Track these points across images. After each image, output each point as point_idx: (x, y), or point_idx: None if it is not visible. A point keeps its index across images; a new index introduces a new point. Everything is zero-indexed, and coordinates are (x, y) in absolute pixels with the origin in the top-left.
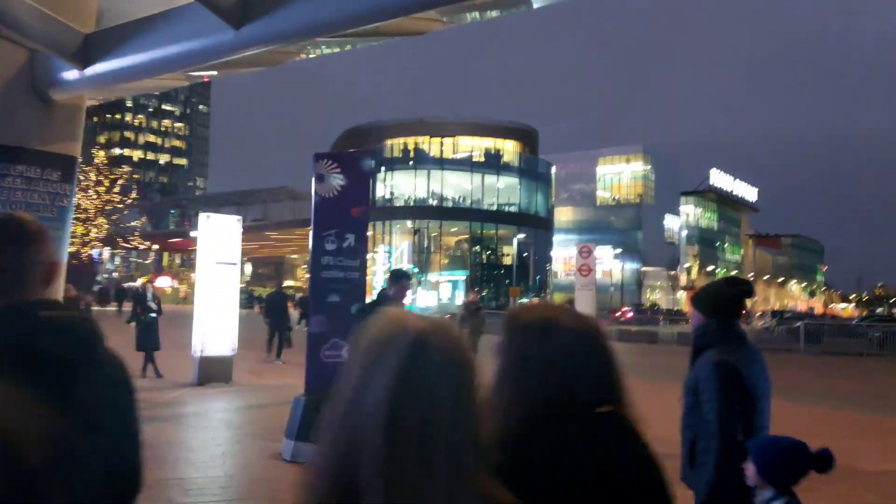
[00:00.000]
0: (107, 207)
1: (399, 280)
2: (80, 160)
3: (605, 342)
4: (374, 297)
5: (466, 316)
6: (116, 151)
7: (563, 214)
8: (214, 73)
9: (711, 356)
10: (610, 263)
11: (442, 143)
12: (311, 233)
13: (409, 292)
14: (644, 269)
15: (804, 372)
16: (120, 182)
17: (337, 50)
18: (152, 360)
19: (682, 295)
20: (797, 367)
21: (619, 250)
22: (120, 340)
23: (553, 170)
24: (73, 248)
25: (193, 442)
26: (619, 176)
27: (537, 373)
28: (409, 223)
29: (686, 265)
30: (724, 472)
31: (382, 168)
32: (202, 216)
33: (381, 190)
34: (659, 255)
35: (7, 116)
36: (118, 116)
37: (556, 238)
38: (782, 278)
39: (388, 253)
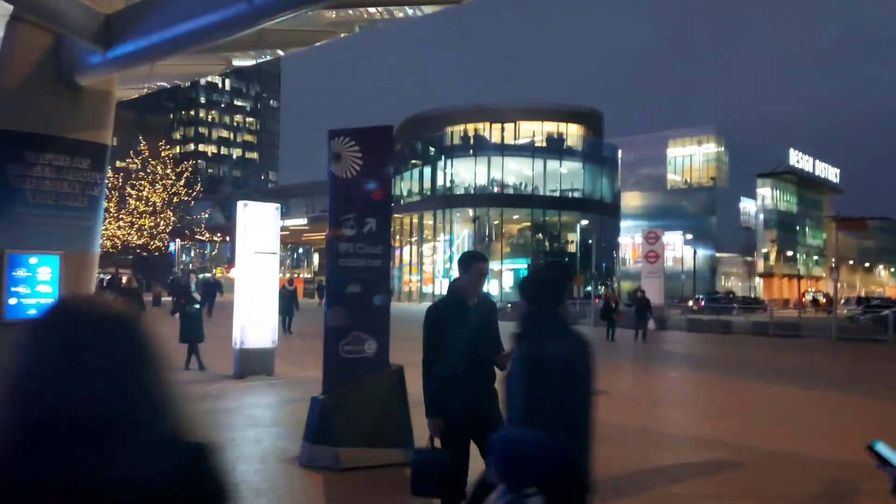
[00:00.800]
0: (174, 200)
1: (469, 264)
2: (110, 147)
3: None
4: (447, 292)
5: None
6: (191, 147)
7: (631, 200)
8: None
9: (521, 345)
10: (681, 250)
11: (503, 129)
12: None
13: (483, 278)
14: (718, 255)
15: (892, 364)
16: (186, 175)
17: (364, 25)
18: (196, 352)
19: (759, 282)
20: (884, 359)
21: (690, 236)
22: (165, 332)
23: (619, 153)
24: (142, 241)
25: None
26: (691, 158)
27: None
28: (469, 211)
29: (764, 251)
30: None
31: (442, 156)
32: (240, 204)
33: (441, 178)
34: (734, 241)
35: (34, 103)
36: (192, 113)
37: (624, 224)
38: (868, 263)
39: (448, 242)
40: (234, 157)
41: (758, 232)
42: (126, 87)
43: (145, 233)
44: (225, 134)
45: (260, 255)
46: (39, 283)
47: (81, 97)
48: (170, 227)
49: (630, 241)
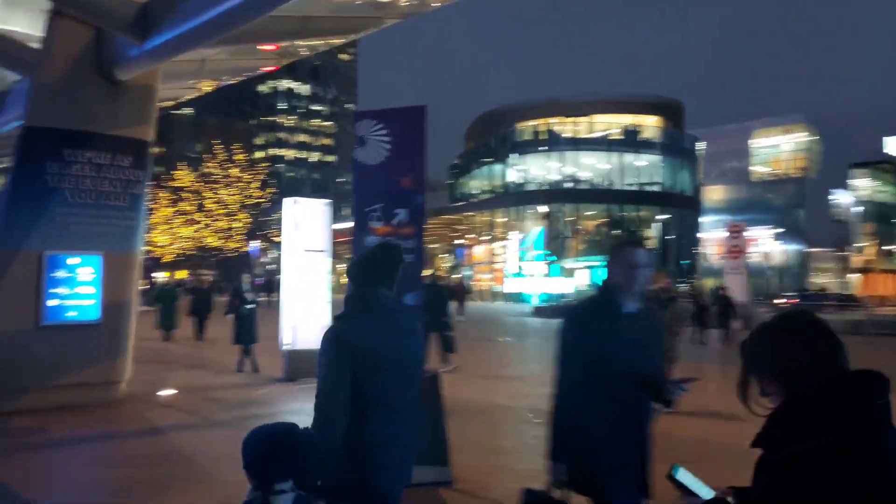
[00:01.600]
0: (248, 202)
1: (619, 253)
2: (152, 144)
3: None
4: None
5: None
6: (272, 151)
7: (715, 193)
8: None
9: (330, 326)
10: (768, 245)
11: (576, 123)
12: (352, 208)
13: (638, 272)
14: (808, 250)
15: None
16: (260, 177)
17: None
18: (249, 353)
19: (855, 278)
20: None
21: (778, 230)
22: (219, 333)
23: (700, 145)
24: (217, 243)
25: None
26: (777, 149)
27: None
28: (542, 208)
29: (859, 245)
30: (322, 451)
31: (513, 152)
32: (287, 201)
33: (513, 175)
34: (825, 235)
35: (74, 100)
36: (273, 118)
37: (706, 219)
38: None
39: (520, 240)
40: (313, 160)
41: (852, 225)
42: (178, 85)
43: (221, 234)
44: (304, 138)
45: (309, 253)
46: (81, 285)
47: (122, 93)
48: (245, 229)
49: (713, 236)
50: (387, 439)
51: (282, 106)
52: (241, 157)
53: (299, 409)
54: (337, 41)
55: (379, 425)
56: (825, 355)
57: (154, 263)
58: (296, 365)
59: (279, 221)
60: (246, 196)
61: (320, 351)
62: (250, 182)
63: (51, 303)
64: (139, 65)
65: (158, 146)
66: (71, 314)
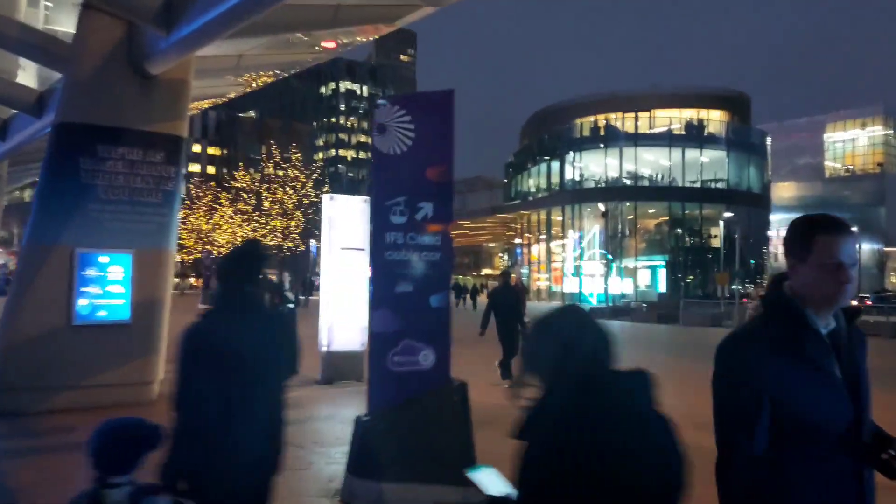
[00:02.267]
0: (304, 201)
1: (811, 240)
2: (186, 139)
3: None
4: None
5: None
6: (332, 153)
7: (785, 190)
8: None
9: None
10: None
11: (637, 118)
12: (371, 202)
13: (842, 275)
14: (887, 249)
15: None
16: (315, 177)
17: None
18: None
19: None
20: None
21: (854, 228)
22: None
23: (768, 140)
24: (274, 241)
25: None
26: (853, 143)
27: None
28: (600, 206)
29: None
30: (173, 446)
31: (570, 149)
32: (325, 197)
33: (570, 172)
34: None
35: (106, 95)
36: (333, 120)
37: (776, 217)
38: None
39: (578, 239)
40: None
41: None
42: (222, 82)
43: (278, 234)
44: (364, 139)
45: (347, 252)
46: (111, 283)
47: (155, 87)
48: (300, 228)
49: (783, 235)
50: (237, 439)
51: (342, 107)
52: (297, 156)
53: (332, 415)
54: (373, 33)
55: (230, 424)
56: (581, 352)
57: (214, 263)
58: (333, 367)
59: None
60: (302, 195)
61: (178, 348)
62: (306, 182)
63: (82, 301)
64: (168, 57)
65: (222, 148)
66: (101, 314)
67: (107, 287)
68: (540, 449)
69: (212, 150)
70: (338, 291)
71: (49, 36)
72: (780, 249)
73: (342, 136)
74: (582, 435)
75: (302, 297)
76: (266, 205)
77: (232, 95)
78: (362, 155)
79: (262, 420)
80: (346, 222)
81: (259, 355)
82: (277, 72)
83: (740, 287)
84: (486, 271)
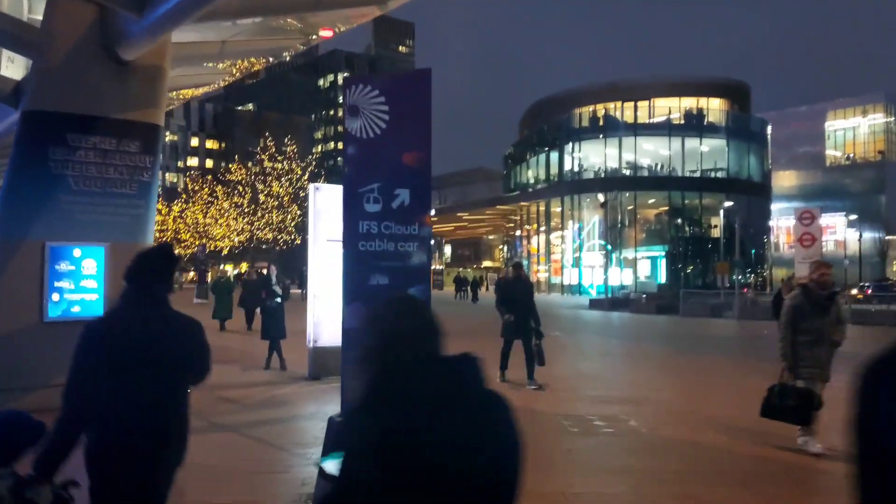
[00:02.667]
0: (301, 194)
1: None
2: (163, 128)
3: None
4: None
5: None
6: (332, 145)
7: (785, 179)
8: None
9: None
10: (843, 232)
11: (636, 107)
12: (342, 190)
13: None
14: (888, 237)
15: None
16: (310, 169)
17: None
18: (277, 349)
19: None
20: None
21: (854, 217)
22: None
23: (768, 129)
24: (270, 235)
25: (228, 464)
26: (854, 131)
27: None
28: (599, 196)
29: None
30: (55, 439)
31: (569, 140)
32: (311, 187)
33: (569, 163)
34: None
35: (78, 82)
36: (332, 113)
37: (777, 206)
38: None
39: (577, 230)
40: None
41: None
42: (206, 71)
43: (273, 227)
44: None
45: (334, 244)
46: (85, 278)
47: (129, 74)
48: (296, 221)
49: (784, 224)
50: (128, 431)
51: (340, 100)
52: (292, 148)
53: (316, 412)
54: (361, 17)
55: (120, 416)
56: (403, 340)
57: (211, 256)
58: (321, 363)
59: None
60: (298, 188)
61: (77, 342)
62: (302, 175)
63: (53, 297)
64: (142, 41)
65: (220, 142)
66: (74, 309)
67: (80, 282)
68: (360, 436)
69: (210, 144)
70: (325, 285)
71: (17, 20)
72: (781, 239)
73: (341, 128)
74: (403, 421)
75: (299, 291)
76: (261, 198)
77: (220, 84)
78: None
79: (156, 415)
80: (332, 213)
81: (157, 352)
82: (269, 59)
83: (740, 277)
84: (486, 263)
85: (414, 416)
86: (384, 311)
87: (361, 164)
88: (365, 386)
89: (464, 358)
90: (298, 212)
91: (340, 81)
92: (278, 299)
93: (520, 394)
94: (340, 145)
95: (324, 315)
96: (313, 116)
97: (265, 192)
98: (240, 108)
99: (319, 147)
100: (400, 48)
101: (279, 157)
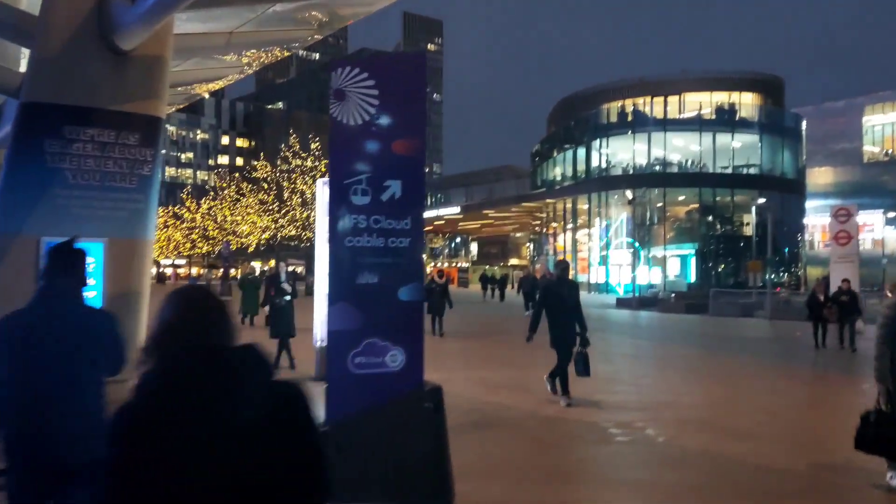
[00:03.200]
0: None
1: None
2: (164, 120)
3: None
4: None
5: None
6: None
7: (821, 177)
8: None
9: None
10: (882, 231)
11: (666, 102)
12: (327, 180)
13: None
14: None
15: None
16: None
17: None
18: (287, 348)
19: None
20: None
21: (893, 214)
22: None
23: (803, 124)
24: (293, 232)
25: None
26: (893, 126)
27: None
28: (627, 193)
29: None
30: None
31: (598, 136)
32: (319, 182)
33: (597, 159)
34: None
35: (76, 72)
36: None
37: (812, 204)
38: None
39: (605, 227)
40: None
41: None
42: (218, 64)
43: (298, 224)
44: None
45: None
46: None
47: (128, 65)
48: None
49: (819, 222)
50: (38, 424)
51: None
52: (316, 145)
53: (320, 413)
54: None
55: (28, 410)
56: (180, 330)
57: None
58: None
59: None
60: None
61: None
62: (325, 172)
63: None
64: (136, 30)
65: (250, 140)
66: None
67: None
68: (127, 429)
69: (240, 142)
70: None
71: (13, 8)
72: (816, 237)
73: None
74: (173, 413)
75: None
76: (285, 195)
77: (235, 77)
78: None
79: (65, 408)
80: None
81: (59, 346)
82: (283, 50)
83: (773, 276)
84: (513, 261)
85: (184, 408)
86: (164, 303)
87: (348, 152)
88: (138, 379)
89: (244, 349)
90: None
91: None
92: (287, 297)
93: (526, 396)
94: None
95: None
96: None
97: (290, 189)
98: (270, 106)
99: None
100: (429, 46)
101: (303, 154)
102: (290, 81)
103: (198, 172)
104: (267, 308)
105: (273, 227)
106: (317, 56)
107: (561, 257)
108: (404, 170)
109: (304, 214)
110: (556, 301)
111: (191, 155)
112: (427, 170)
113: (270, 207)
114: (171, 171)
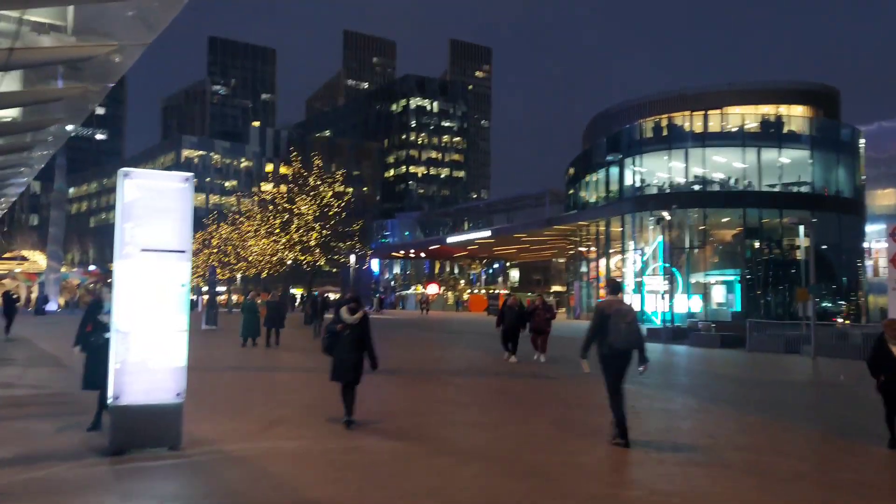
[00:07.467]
0: (329, 213)
1: None
2: None
3: None
4: None
5: None
6: (403, 169)
7: (884, 199)
8: None
9: None
10: None
11: (706, 117)
12: None
13: None
14: None
15: None
16: (336, 187)
17: None
18: (105, 403)
19: None
20: None
21: None
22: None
23: (861, 140)
24: (291, 255)
25: None
26: None
27: None
28: (665, 214)
29: None
30: None
31: (632, 153)
32: (119, 173)
33: (630, 178)
34: None
35: None
36: (403, 137)
37: (873, 228)
38: None
39: (640, 251)
40: (442, 176)
41: None
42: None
43: (296, 247)
44: (434, 154)
45: (151, 255)
46: None
47: None
48: (321, 240)
49: (881, 246)
50: None
51: (412, 124)
52: (340, 173)
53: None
54: None
55: None
56: None
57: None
58: (127, 428)
59: (354, 233)
60: (324, 206)
61: None
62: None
63: None
64: None
65: (292, 166)
66: None
67: None
68: None
69: (284, 170)
70: (138, 312)
71: None
72: (881, 262)
73: (412, 152)
74: None
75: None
76: (286, 216)
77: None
78: (432, 171)
79: None
80: (153, 210)
81: None
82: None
83: (829, 305)
84: (555, 287)
85: None
86: None
87: None
88: None
89: None
90: (324, 231)
91: (412, 106)
92: (107, 334)
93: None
94: (412, 168)
95: (135, 357)
96: (385, 142)
97: (294, 213)
98: (318, 135)
99: (392, 171)
100: (476, 73)
101: (328, 178)
102: (336, 110)
103: (242, 200)
104: (78, 349)
105: (281, 252)
106: (366, 85)
107: (614, 277)
108: None
109: (306, 238)
110: (611, 328)
111: (234, 182)
112: (475, 196)
113: (275, 231)
114: (214, 199)
